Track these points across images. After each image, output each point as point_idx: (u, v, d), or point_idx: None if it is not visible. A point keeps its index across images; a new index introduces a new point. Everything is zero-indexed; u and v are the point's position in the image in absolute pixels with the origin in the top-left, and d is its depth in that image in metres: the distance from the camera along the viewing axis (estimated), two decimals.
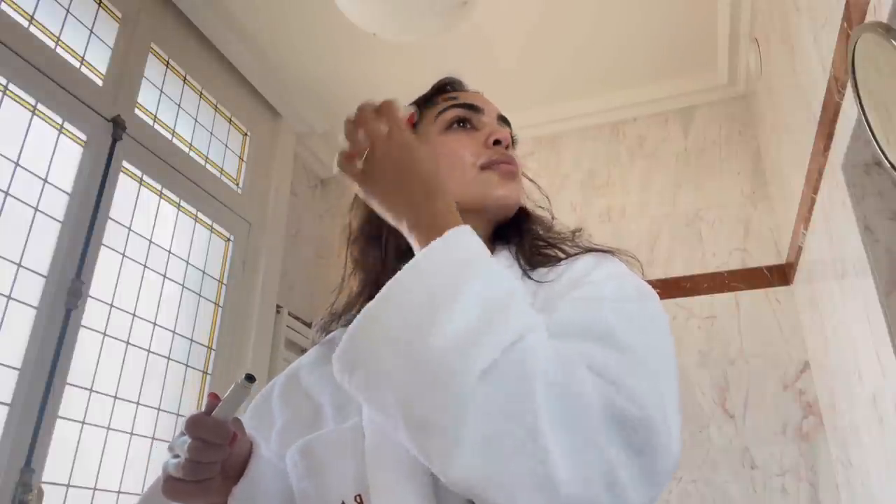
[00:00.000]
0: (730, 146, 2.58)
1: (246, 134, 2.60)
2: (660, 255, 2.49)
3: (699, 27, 2.40)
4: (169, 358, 2.00)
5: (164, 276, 2.04)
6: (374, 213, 0.67)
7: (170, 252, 2.08)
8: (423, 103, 0.81)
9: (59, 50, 1.79)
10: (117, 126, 1.90)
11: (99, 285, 1.77)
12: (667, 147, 2.67)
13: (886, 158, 1.11)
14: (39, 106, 1.69)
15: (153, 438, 1.89)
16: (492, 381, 0.47)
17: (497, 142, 0.76)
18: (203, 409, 0.61)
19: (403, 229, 0.61)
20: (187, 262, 2.15)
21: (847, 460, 1.84)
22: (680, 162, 2.63)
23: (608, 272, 0.64)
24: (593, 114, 2.79)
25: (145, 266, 1.96)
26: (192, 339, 2.11)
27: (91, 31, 1.90)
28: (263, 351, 2.38)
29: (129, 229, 1.93)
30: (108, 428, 1.75)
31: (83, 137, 1.81)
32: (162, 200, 2.09)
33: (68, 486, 1.62)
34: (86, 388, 1.70)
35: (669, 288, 2.41)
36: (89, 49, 1.89)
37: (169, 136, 2.15)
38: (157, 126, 2.10)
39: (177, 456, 0.60)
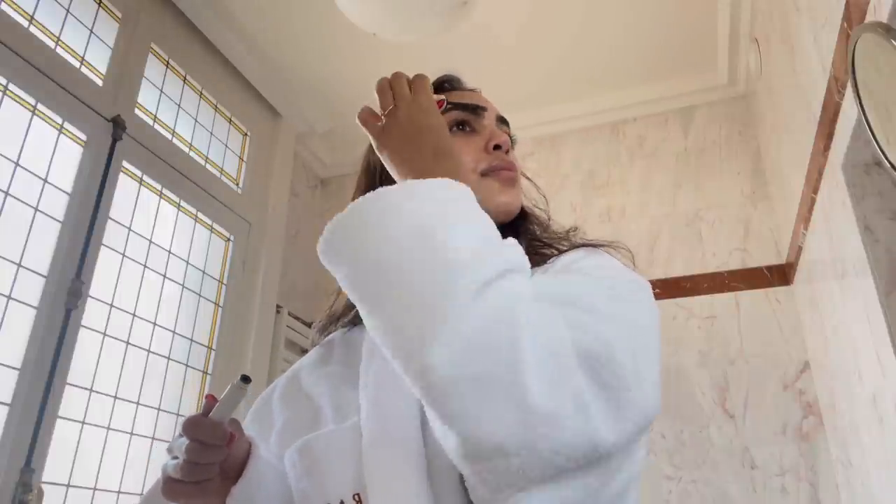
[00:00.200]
0: (730, 146, 2.58)
1: (246, 134, 2.60)
2: (660, 255, 2.49)
3: (699, 27, 2.40)
4: (169, 358, 2.00)
5: (164, 276, 2.04)
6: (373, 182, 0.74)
7: (170, 252, 2.08)
8: None
9: (59, 50, 1.79)
10: (117, 126, 1.90)
11: (99, 285, 1.77)
12: (667, 147, 2.67)
13: (886, 158, 1.11)
14: (39, 106, 1.69)
15: (153, 438, 1.89)
16: (489, 292, 0.49)
17: (497, 147, 0.76)
18: (201, 410, 0.61)
19: None
20: (187, 262, 2.15)
21: (847, 460, 1.84)
22: (680, 162, 2.63)
23: (597, 262, 0.65)
24: (593, 114, 2.79)
25: (145, 266, 1.96)
26: (192, 339, 2.11)
27: (91, 31, 1.90)
28: (263, 351, 2.38)
29: (129, 229, 1.93)
30: (108, 428, 1.75)
31: (83, 137, 1.81)
32: (162, 200, 2.09)
33: (68, 486, 1.62)
34: (86, 388, 1.70)
35: (669, 288, 2.41)
36: (89, 49, 1.89)
37: (169, 136, 2.15)
38: (157, 126, 2.10)
39: (175, 457, 0.60)
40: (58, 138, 1.74)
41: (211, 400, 0.61)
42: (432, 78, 0.83)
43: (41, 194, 1.65)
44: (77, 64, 1.84)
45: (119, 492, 1.75)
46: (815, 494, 2.02)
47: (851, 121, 1.33)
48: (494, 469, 0.47)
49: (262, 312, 2.41)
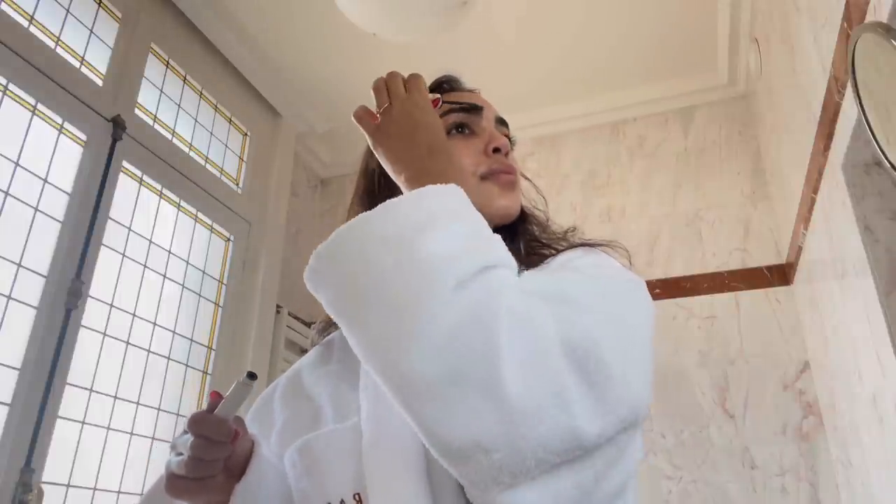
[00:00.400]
0: (730, 146, 2.58)
1: (246, 134, 2.60)
2: (660, 255, 2.49)
3: (699, 27, 2.40)
4: (169, 358, 2.00)
5: (164, 276, 2.04)
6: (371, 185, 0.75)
7: (170, 252, 2.08)
8: None
9: (59, 50, 1.79)
10: (117, 126, 1.90)
11: (99, 285, 1.77)
12: (667, 147, 2.67)
13: (886, 158, 1.11)
14: (39, 106, 1.69)
15: (153, 438, 1.89)
16: (464, 292, 0.49)
17: (496, 149, 0.76)
18: (205, 407, 0.61)
19: (401, 182, 0.65)
20: (187, 262, 2.15)
21: (847, 460, 1.84)
22: (680, 162, 2.63)
23: (593, 261, 0.65)
24: (593, 114, 2.79)
25: (145, 266, 1.96)
26: (192, 339, 2.11)
27: (91, 31, 1.90)
28: (263, 351, 2.38)
29: (129, 229, 1.93)
30: (108, 428, 1.75)
31: (83, 137, 1.81)
32: (162, 200, 2.09)
33: (68, 486, 1.62)
34: (86, 388, 1.70)
35: (669, 288, 2.41)
36: (89, 49, 1.89)
37: (169, 136, 2.15)
38: (157, 126, 2.10)
39: (180, 454, 0.60)
40: (58, 138, 1.74)
41: (215, 397, 0.61)
42: (432, 78, 0.83)
43: (41, 194, 1.65)
44: (77, 64, 1.84)
45: (119, 492, 1.75)
46: (815, 494, 2.02)
47: (851, 121, 1.33)
48: (478, 467, 0.46)
49: (262, 312, 2.41)
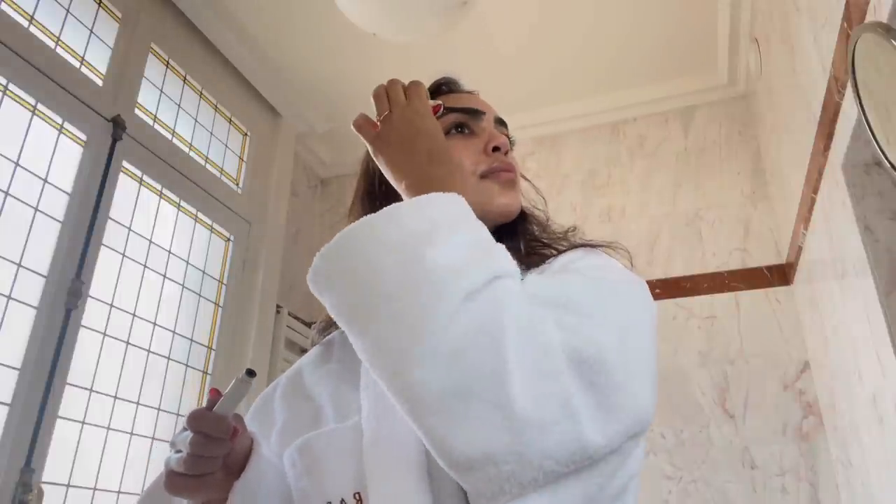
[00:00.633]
0: (730, 146, 2.58)
1: (246, 134, 2.60)
2: (660, 255, 2.49)
3: (699, 27, 2.40)
4: (169, 358, 2.00)
5: (164, 276, 2.04)
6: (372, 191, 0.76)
7: (170, 252, 2.08)
8: None
9: (59, 50, 1.79)
10: (117, 126, 1.90)
11: (99, 285, 1.77)
12: (667, 147, 2.67)
13: (886, 158, 1.11)
14: (39, 106, 1.69)
15: (153, 438, 1.89)
16: (471, 305, 0.50)
17: (496, 148, 0.76)
18: (205, 404, 0.61)
19: (402, 190, 0.65)
20: (187, 262, 2.15)
21: (847, 460, 1.84)
22: (680, 162, 2.63)
23: (595, 262, 0.65)
24: (593, 114, 2.79)
25: (145, 266, 1.96)
26: (192, 339, 2.11)
27: (91, 31, 1.90)
28: (263, 351, 2.38)
29: (129, 229, 1.93)
30: (108, 428, 1.75)
31: (83, 137, 1.81)
32: (162, 200, 2.09)
33: (68, 486, 1.62)
34: (86, 388, 1.70)
35: (669, 288, 2.41)
36: (89, 49, 1.89)
37: (169, 136, 2.15)
38: (157, 126, 2.10)
39: (179, 451, 0.60)
40: (58, 138, 1.74)
41: (215, 394, 0.61)
42: (432, 79, 0.83)
43: (41, 194, 1.65)
44: (77, 64, 1.84)
45: (119, 492, 1.75)
46: (815, 494, 2.02)
47: (851, 121, 1.33)
48: (486, 478, 0.47)
49: (262, 312, 2.41)
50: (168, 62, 2.21)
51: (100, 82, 1.91)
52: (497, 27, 2.38)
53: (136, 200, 1.98)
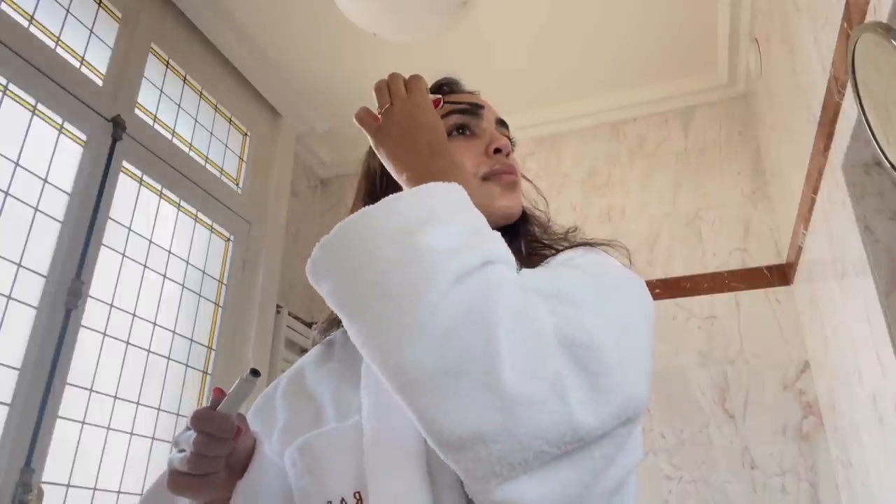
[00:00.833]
0: (730, 146, 2.58)
1: (246, 134, 2.60)
2: (660, 255, 2.49)
3: (699, 27, 2.41)
4: (169, 358, 2.00)
5: (164, 276, 2.04)
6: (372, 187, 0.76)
7: (170, 252, 2.08)
8: None
9: (59, 50, 1.79)
10: (117, 126, 1.90)
11: (99, 285, 1.77)
12: (667, 147, 2.67)
13: (886, 158, 1.11)
14: (39, 106, 1.69)
15: (153, 438, 1.89)
16: (461, 287, 0.50)
17: (497, 150, 0.76)
18: (208, 404, 0.61)
19: (403, 182, 0.66)
20: (187, 262, 2.15)
21: (847, 460, 1.84)
22: (680, 162, 2.63)
23: (593, 260, 0.65)
24: (593, 114, 2.79)
25: (145, 266, 1.96)
26: (192, 339, 2.11)
27: (91, 31, 1.90)
28: (263, 351, 2.38)
29: (129, 229, 1.93)
30: (108, 428, 1.75)
31: (83, 137, 1.81)
32: (162, 200, 2.09)
33: (68, 486, 1.62)
34: (86, 388, 1.70)
35: (669, 288, 2.41)
36: (89, 49, 1.89)
37: (169, 136, 2.15)
38: (157, 126, 2.10)
39: (182, 450, 0.60)
40: (58, 138, 1.74)
41: (218, 394, 0.61)
42: (432, 79, 0.83)
43: (41, 194, 1.65)
44: (77, 64, 1.84)
45: (119, 492, 1.75)
46: (815, 494, 2.02)
47: (851, 121, 1.33)
48: (476, 458, 0.46)
49: (262, 312, 2.41)
50: (168, 62, 2.21)
51: (100, 82, 1.91)
52: (498, 27, 2.38)
53: (136, 200, 1.98)
